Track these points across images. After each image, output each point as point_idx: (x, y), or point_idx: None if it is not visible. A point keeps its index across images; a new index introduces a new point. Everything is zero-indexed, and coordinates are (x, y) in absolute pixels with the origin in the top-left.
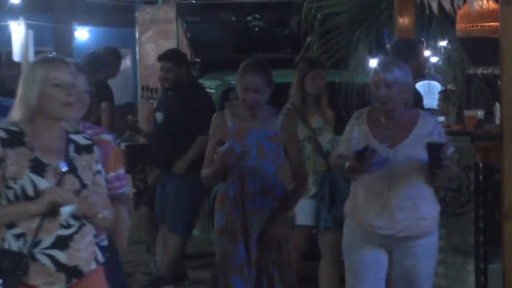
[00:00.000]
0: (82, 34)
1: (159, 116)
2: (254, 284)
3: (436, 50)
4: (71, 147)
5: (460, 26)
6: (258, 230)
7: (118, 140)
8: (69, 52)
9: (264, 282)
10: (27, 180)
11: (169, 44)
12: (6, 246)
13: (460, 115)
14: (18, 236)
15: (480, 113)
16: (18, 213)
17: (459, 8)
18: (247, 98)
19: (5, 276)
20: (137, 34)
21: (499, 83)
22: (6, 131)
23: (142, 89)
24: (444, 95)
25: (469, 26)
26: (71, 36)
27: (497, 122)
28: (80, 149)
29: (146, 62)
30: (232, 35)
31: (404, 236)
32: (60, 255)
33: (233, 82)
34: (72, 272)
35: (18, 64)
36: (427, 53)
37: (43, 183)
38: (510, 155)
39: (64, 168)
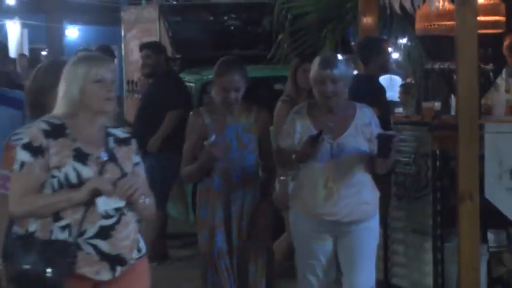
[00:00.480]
0: (72, 32)
1: (139, 104)
2: (237, 271)
3: (396, 47)
4: (111, 139)
5: (419, 25)
6: (238, 218)
7: None
8: (60, 49)
9: (250, 269)
10: (70, 169)
11: None
12: (53, 237)
13: (419, 107)
14: (63, 228)
15: (437, 105)
16: (61, 202)
17: (419, 7)
18: (229, 97)
19: (55, 265)
20: (123, 32)
21: (455, 77)
22: (49, 124)
23: (128, 83)
24: (404, 88)
25: (428, 25)
26: (62, 34)
27: (453, 113)
28: (119, 141)
29: (131, 58)
30: (211, 33)
31: (349, 221)
32: (103, 245)
33: (210, 76)
34: (115, 261)
35: (13, 60)
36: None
37: (86, 171)
38: (464, 143)
39: (105, 157)
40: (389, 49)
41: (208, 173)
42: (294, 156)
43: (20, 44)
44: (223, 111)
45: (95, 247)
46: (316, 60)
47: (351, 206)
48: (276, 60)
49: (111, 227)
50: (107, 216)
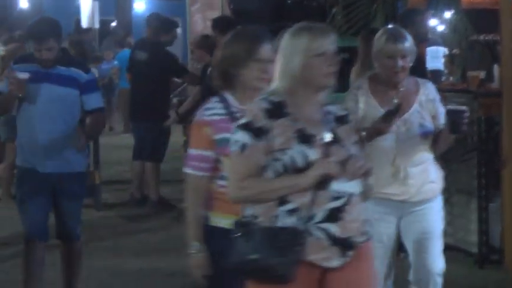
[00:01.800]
0: (140, 5)
1: None
2: None
3: (443, 20)
4: (330, 117)
5: None
6: None
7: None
8: (128, 21)
9: None
10: (296, 151)
11: (215, 14)
12: (279, 223)
13: (464, 76)
14: (291, 212)
15: (482, 74)
16: (285, 188)
17: None
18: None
19: (285, 254)
20: (187, 5)
21: (498, 47)
22: (270, 102)
23: (192, 52)
24: (449, 58)
25: None
26: (130, 6)
27: (496, 82)
28: (339, 120)
29: (195, 29)
30: (269, 6)
31: (417, 200)
32: (333, 228)
33: None
34: (346, 245)
35: (86, 30)
36: (435, 22)
37: (312, 154)
38: (508, 109)
39: (329, 139)
40: (435, 21)
41: None
42: (363, 133)
43: (92, 16)
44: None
45: (324, 231)
46: (383, 34)
47: (419, 184)
48: None
49: (341, 209)
50: (337, 197)
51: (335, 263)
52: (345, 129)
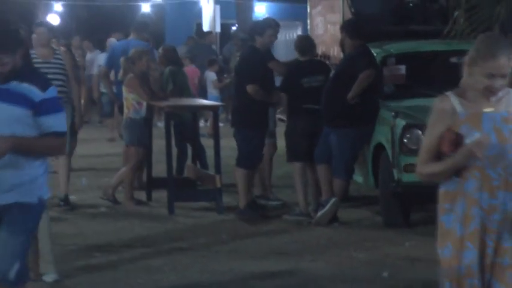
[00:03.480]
0: (261, 8)
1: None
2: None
3: None
4: None
5: None
6: (497, 229)
7: None
8: (249, 24)
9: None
10: None
11: (335, 17)
12: None
13: None
14: None
15: None
16: None
17: None
18: (493, 84)
19: None
20: (308, 9)
21: None
22: None
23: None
24: None
25: None
26: (251, 10)
27: None
28: None
29: (316, 32)
30: (390, 9)
31: None
32: None
33: (391, 50)
34: None
35: (206, 33)
36: None
37: None
38: None
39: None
40: None
41: (458, 173)
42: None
43: (213, 20)
44: (478, 98)
45: None
46: (486, 42)
47: None
48: (452, 35)
49: None
50: None
51: None
52: None
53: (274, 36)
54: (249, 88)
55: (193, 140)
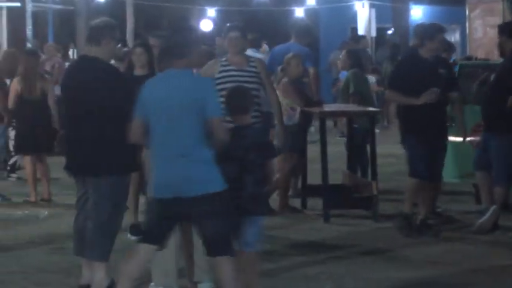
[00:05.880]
0: (417, 12)
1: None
2: None
3: None
4: None
5: None
6: None
7: None
8: (406, 28)
9: None
10: None
11: (494, 21)
12: None
13: None
14: None
15: None
16: None
17: None
18: None
19: None
20: (467, 12)
21: None
22: None
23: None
24: None
25: None
26: (407, 14)
27: None
28: None
29: (475, 36)
30: None
31: None
32: None
33: None
34: None
35: (360, 37)
36: None
37: None
38: None
39: None
40: None
41: None
42: None
43: (368, 24)
44: None
45: None
46: None
47: None
48: None
49: None
50: None
51: None
52: None
53: (443, 41)
54: None
55: (360, 146)
